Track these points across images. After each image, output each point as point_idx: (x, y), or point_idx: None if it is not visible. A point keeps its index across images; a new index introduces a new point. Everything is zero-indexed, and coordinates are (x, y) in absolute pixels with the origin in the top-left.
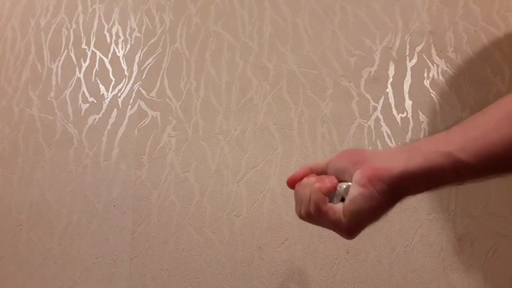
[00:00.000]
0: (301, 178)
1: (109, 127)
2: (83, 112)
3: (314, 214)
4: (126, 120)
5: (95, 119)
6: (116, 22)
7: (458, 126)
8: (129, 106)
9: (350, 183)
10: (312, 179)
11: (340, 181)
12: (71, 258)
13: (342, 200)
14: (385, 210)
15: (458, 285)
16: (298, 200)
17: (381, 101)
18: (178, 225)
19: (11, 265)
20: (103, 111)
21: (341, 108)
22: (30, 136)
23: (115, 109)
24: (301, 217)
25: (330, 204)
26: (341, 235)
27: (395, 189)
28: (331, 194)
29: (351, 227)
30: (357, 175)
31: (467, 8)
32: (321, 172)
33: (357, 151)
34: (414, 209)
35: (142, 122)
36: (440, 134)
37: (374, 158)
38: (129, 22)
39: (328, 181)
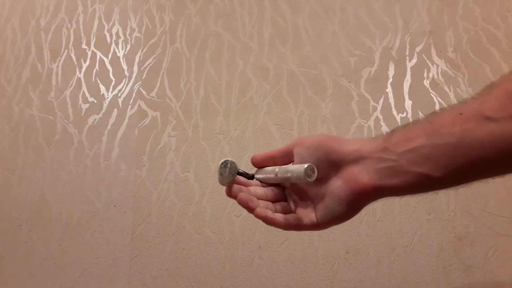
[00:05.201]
0: (262, 162)
1: (109, 127)
2: (83, 112)
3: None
4: (126, 120)
5: (95, 119)
6: (116, 22)
7: (429, 134)
8: (129, 106)
9: (303, 167)
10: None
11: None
12: (71, 258)
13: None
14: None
15: (458, 285)
16: None
17: (381, 101)
18: (178, 225)
19: (11, 265)
20: (103, 111)
21: (341, 108)
22: (30, 136)
23: (115, 109)
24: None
25: (299, 214)
26: None
27: (371, 202)
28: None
29: (317, 228)
30: (343, 191)
31: (467, 8)
32: (285, 155)
33: (334, 148)
34: (414, 209)
35: (142, 122)
36: (411, 139)
37: (354, 167)
38: (129, 22)
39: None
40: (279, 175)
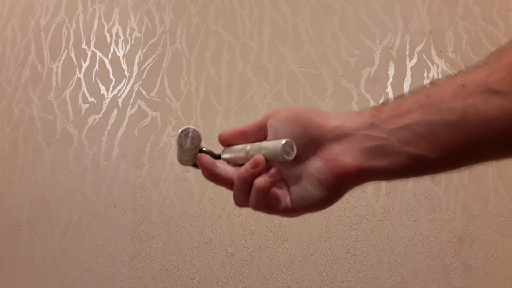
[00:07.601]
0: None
1: (109, 127)
2: (83, 112)
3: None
4: (126, 120)
5: (95, 119)
6: (116, 22)
7: (426, 109)
8: (129, 106)
9: (280, 143)
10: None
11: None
12: (71, 258)
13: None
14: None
15: (458, 285)
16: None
17: (381, 101)
18: (178, 225)
19: (11, 265)
20: (103, 111)
21: (341, 108)
22: (30, 136)
23: (115, 109)
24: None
25: (274, 192)
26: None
27: (355, 186)
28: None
29: (291, 214)
30: (323, 173)
31: (467, 8)
32: (258, 130)
33: (313, 122)
34: (414, 209)
35: (142, 122)
36: (403, 114)
37: (336, 145)
38: (129, 22)
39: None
40: (250, 153)
